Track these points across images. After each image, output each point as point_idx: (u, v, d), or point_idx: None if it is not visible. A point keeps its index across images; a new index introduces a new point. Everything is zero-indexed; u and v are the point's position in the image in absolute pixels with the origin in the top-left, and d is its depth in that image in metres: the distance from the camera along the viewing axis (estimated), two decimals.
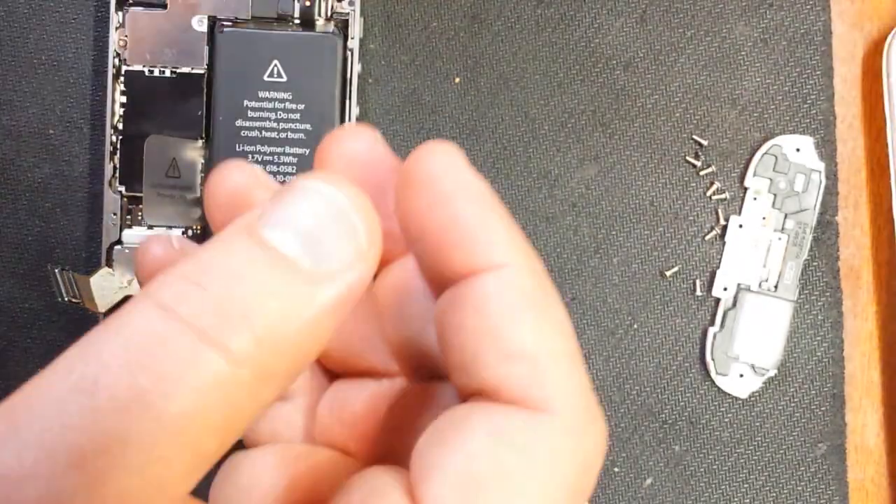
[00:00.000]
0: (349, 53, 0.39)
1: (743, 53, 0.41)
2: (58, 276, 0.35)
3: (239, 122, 0.38)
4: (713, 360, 0.40)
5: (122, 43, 0.39)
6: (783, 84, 0.41)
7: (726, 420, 0.41)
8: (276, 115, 0.38)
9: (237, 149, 0.38)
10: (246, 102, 0.38)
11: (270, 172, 0.38)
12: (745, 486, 0.41)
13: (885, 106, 0.40)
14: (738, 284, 0.40)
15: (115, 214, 0.39)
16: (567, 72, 0.41)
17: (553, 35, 0.41)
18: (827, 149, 0.40)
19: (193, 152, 0.39)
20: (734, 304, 0.40)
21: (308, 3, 0.39)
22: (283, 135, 0.38)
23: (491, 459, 0.18)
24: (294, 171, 0.38)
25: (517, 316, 0.19)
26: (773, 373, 0.40)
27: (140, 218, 0.39)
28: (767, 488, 0.41)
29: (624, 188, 0.41)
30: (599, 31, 0.41)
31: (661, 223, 0.41)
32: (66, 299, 0.36)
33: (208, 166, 0.39)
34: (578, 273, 0.40)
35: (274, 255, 0.17)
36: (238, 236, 0.17)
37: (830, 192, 0.40)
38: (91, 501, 0.15)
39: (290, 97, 0.38)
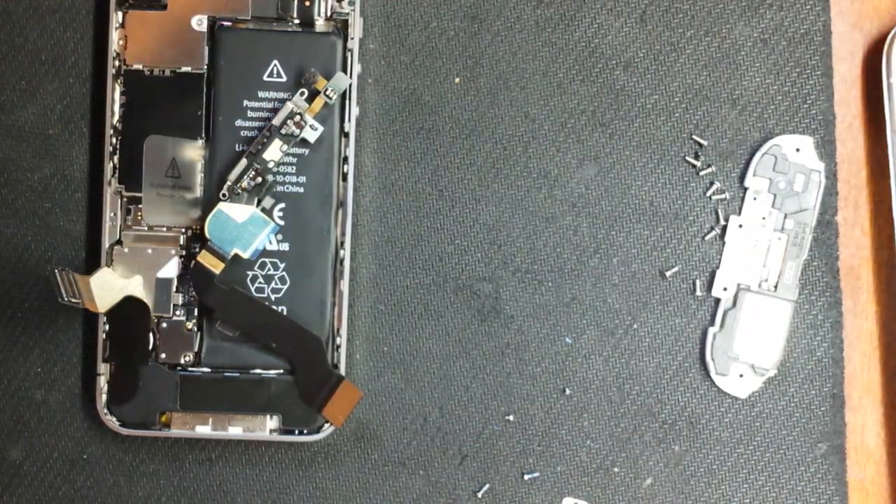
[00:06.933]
0: (349, 53, 0.39)
1: (743, 53, 0.41)
2: (58, 276, 0.35)
3: (239, 122, 0.38)
4: (713, 360, 0.40)
5: (122, 43, 0.39)
6: (783, 84, 0.41)
7: (726, 420, 0.41)
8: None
9: (237, 149, 0.38)
10: (246, 102, 0.38)
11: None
12: (745, 486, 0.41)
13: (885, 106, 0.40)
14: (738, 284, 0.40)
15: (114, 214, 0.39)
16: (567, 72, 0.41)
17: (553, 35, 0.41)
18: (827, 149, 0.40)
19: (193, 152, 0.39)
20: (734, 304, 0.40)
21: (308, 3, 0.39)
22: None
23: None
24: (294, 171, 0.38)
25: None
26: (772, 373, 0.40)
27: (140, 218, 0.39)
28: (767, 488, 0.41)
29: (624, 188, 0.41)
30: (599, 31, 0.41)
31: (661, 223, 0.41)
32: (66, 299, 0.36)
33: (208, 166, 0.39)
34: (578, 273, 0.40)
35: None
36: None
37: (830, 192, 0.40)
38: None
39: (290, 97, 0.38)
